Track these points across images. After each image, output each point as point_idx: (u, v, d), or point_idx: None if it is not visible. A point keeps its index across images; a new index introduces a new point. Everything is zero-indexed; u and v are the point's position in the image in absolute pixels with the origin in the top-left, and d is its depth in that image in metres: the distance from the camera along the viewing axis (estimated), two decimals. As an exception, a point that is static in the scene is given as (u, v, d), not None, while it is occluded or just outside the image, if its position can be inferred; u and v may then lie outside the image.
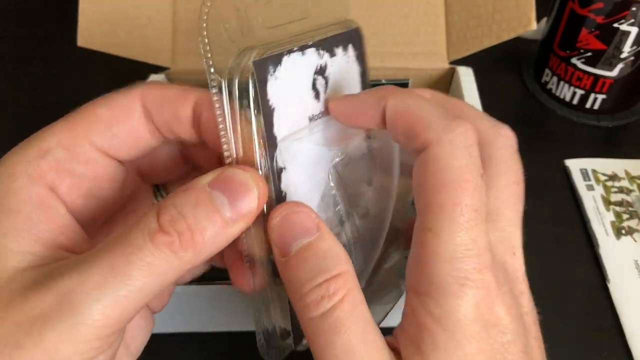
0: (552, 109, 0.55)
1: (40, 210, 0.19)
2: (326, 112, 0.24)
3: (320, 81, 0.23)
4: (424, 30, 0.45)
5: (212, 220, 0.18)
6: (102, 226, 0.24)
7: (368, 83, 0.26)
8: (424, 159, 0.19)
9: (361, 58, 0.25)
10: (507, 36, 0.43)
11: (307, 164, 0.23)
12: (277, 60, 0.21)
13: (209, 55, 0.20)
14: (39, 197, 0.19)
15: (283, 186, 0.22)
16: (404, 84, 0.47)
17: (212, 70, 0.20)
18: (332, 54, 0.24)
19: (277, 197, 0.22)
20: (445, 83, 0.47)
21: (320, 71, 0.23)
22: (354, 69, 0.25)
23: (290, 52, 0.22)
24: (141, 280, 0.17)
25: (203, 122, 0.22)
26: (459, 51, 0.45)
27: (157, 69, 0.45)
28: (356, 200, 0.26)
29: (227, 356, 0.36)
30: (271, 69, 0.21)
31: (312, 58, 0.23)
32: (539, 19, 0.43)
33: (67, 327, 0.17)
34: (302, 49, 0.22)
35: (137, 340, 0.23)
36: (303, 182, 0.23)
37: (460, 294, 0.19)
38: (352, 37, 0.25)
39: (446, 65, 0.46)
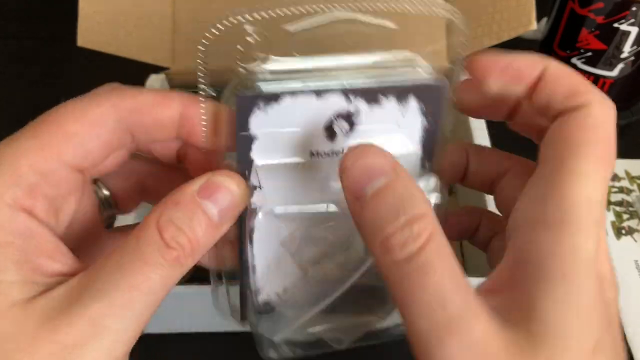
0: (552, 109, 0.55)
1: (29, 239, 0.19)
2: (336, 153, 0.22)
3: (341, 124, 0.22)
4: (424, 31, 0.45)
5: (207, 230, 0.20)
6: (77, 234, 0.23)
7: (438, 140, 0.23)
8: (584, 113, 0.20)
9: (428, 113, 0.22)
10: (507, 36, 0.42)
11: (293, 190, 0.23)
12: (271, 98, 0.20)
13: (203, 61, 0.20)
14: (25, 226, 0.19)
15: (254, 200, 0.23)
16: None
17: (203, 76, 0.21)
18: (373, 102, 0.21)
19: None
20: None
21: (345, 116, 0.21)
22: (412, 123, 0.22)
23: (294, 94, 0.20)
24: (160, 293, 0.19)
25: (193, 123, 0.22)
26: (459, 51, 0.45)
27: (157, 69, 0.45)
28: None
29: (227, 356, 0.36)
30: (261, 104, 0.20)
31: (332, 102, 0.21)
32: (539, 19, 0.43)
33: (104, 350, 0.18)
34: (319, 93, 0.21)
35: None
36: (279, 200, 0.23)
37: (591, 233, 0.19)
38: (418, 90, 0.22)
39: (446, 65, 0.46)
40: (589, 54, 0.51)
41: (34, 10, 0.66)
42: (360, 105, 0.21)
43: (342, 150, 0.22)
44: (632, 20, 0.47)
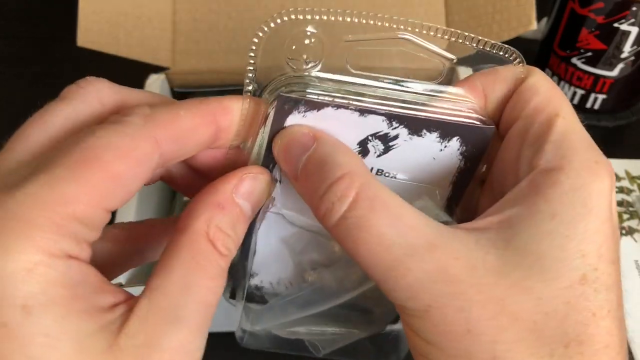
0: (552, 109, 0.55)
1: (85, 285, 0.17)
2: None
3: (377, 144, 0.21)
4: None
5: (245, 227, 0.21)
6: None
7: (469, 182, 0.23)
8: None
9: (469, 156, 0.22)
10: (507, 36, 0.42)
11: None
12: (313, 105, 0.20)
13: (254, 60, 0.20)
14: (79, 274, 0.17)
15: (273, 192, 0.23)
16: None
17: (252, 73, 0.21)
18: (416, 134, 0.21)
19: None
20: (446, 83, 0.47)
21: (383, 138, 0.21)
22: (450, 163, 0.22)
23: (339, 107, 0.20)
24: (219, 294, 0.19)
25: (228, 132, 0.21)
26: (459, 51, 0.45)
27: (157, 69, 0.45)
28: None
29: (226, 356, 0.36)
30: (302, 107, 0.20)
31: (374, 121, 0.21)
32: (539, 19, 0.43)
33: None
34: (362, 112, 0.20)
35: None
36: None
37: (595, 171, 0.19)
38: (464, 131, 0.21)
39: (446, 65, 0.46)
40: (589, 54, 0.51)
41: (34, 10, 0.66)
42: (401, 132, 0.21)
43: (371, 169, 0.22)
44: (632, 20, 0.47)
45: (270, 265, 0.26)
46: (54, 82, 0.60)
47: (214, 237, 0.19)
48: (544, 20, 0.56)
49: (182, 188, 0.24)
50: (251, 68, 0.20)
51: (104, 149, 0.17)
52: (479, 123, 0.21)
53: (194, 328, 0.18)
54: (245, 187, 0.20)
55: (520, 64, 0.23)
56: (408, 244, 0.18)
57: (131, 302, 0.18)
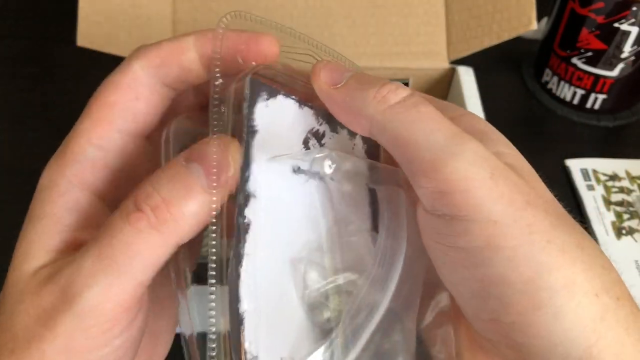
0: (552, 109, 0.55)
1: (72, 213, 0.20)
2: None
3: (313, 143, 0.23)
4: (424, 30, 0.45)
5: (190, 191, 0.18)
6: None
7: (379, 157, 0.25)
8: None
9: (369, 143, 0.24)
10: (507, 36, 0.42)
11: (288, 193, 0.21)
12: (272, 92, 0.21)
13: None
14: (75, 200, 0.20)
15: (247, 211, 0.19)
16: (404, 84, 0.47)
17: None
18: (334, 130, 0.23)
19: (237, 224, 0.19)
20: (446, 83, 0.47)
21: (316, 135, 0.22)
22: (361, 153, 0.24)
23: (287, 95, 0.21)
24: (126, 262, 0.18)
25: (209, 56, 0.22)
26: (459, 51, 0.45)
27: (157, 69, 0.45)
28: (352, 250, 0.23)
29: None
30: (265, 95, 0.20)
31: (308, 116, 0.22)
32: (539, 19, 0.43)
33: (73, 316, 0.18)
34: (300, 103, 0.22)
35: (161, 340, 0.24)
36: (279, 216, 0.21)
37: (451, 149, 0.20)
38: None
39: (446, 65, 0.46)
40: (589, 53, 0.51)
41: (34, 10, 0.66)
42: (325, 128, 0.23)
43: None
44: (633, 20, 0.47)
45: (271, 327, 0.20)
46: (53, 82, 0.61)
47: (139, 189, 0.19)
48: (544, 20, 0.56)
49: None
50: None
51: (102, 90, 0.21)
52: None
53: (86, 262, 0.18)
54: (197, 153, 0.19)
55: None
56: (457, 129, 0.19)
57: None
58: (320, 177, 0.22)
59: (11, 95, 0.56)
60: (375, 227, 0.23)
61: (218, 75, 0.20)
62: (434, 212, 0.19)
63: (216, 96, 0.20)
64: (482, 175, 0.18)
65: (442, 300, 0.23)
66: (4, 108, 0.55)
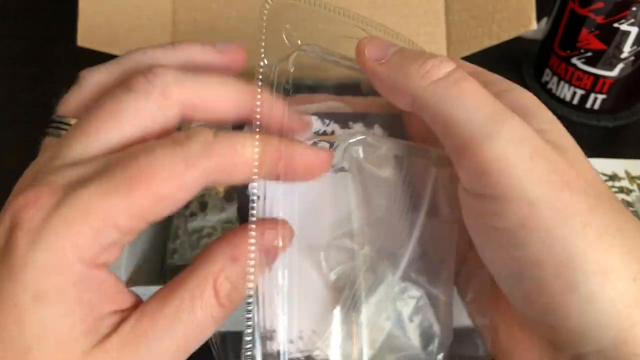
0: (552, 109, 0.55)
1: (98, 291, 0.18)
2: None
3: (323, 144, 0.22)
4: (424, 30, 0.45)
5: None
6: None
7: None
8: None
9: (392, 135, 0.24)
10: (507, 36, 0.42)
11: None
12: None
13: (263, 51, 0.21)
14: (96, 280, 0.18)
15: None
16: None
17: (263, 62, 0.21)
18: (344, 127, 0.23)
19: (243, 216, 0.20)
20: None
21: (324, 135, 0.23)
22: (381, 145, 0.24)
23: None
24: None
25: None
26: (459, 51, 0.45)
27: (157, 69, 0.45)
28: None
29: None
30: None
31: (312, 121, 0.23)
32: (539, 19, 0.43)
33: None
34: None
35: None
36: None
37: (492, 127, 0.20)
38: (384, 118, 0.24)
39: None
40: (589, 54, 0.51)
41: (33, 10, 0.66)
42: (334, 127, 0.23)
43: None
44: (632, 20, 0.47)
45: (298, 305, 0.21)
46: (54, 82, 0.60)
47: (220, 286, 0.19)
48: (544, 20, 0.56)
49: None
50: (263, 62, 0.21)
51: (156, 171, 0.18)
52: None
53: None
54: (265, 241, 0.20)
55: None
56: (500, 105, 0.19)
57: (129, 313, 0.19)
58: (352, 160, 0.23)
59: (11, 95, 0.56)
60: (407, 208, 0.24)
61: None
62: (472, 191, 0.19)
63: None
64: (520, 155, 0.18)
65: (483, 275, 0.23)
66: (4, 108, 0.55)
